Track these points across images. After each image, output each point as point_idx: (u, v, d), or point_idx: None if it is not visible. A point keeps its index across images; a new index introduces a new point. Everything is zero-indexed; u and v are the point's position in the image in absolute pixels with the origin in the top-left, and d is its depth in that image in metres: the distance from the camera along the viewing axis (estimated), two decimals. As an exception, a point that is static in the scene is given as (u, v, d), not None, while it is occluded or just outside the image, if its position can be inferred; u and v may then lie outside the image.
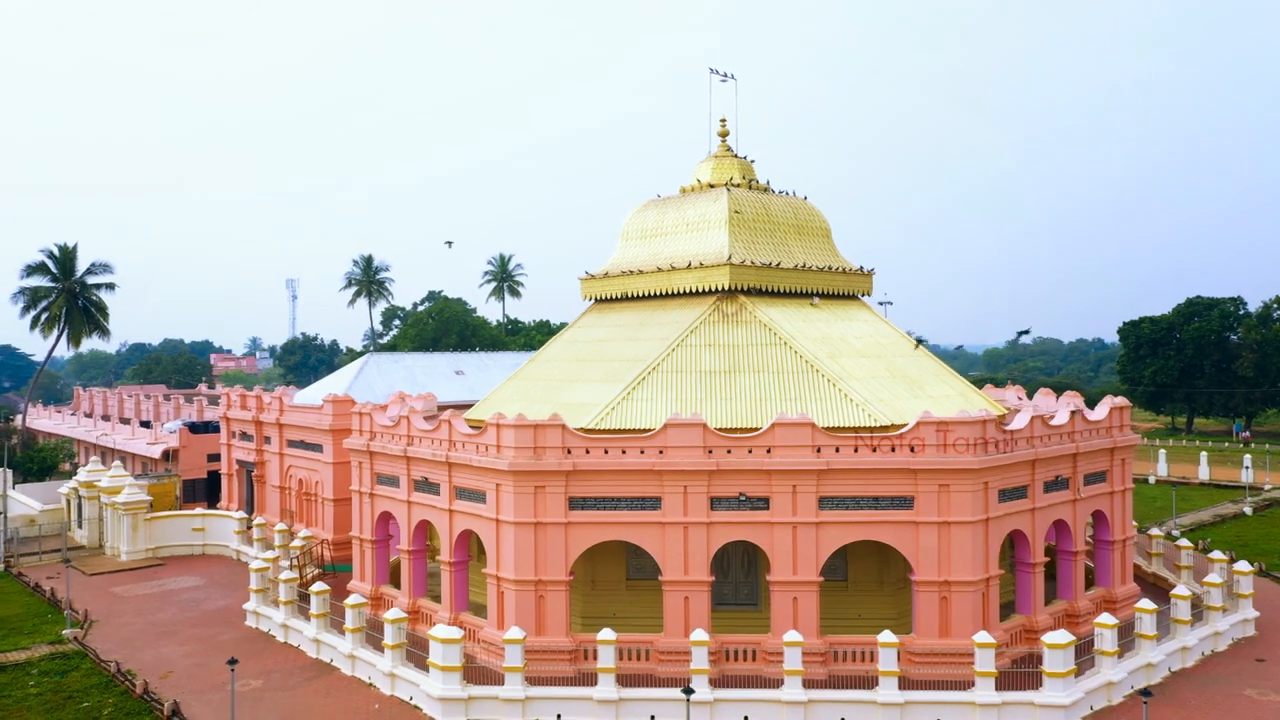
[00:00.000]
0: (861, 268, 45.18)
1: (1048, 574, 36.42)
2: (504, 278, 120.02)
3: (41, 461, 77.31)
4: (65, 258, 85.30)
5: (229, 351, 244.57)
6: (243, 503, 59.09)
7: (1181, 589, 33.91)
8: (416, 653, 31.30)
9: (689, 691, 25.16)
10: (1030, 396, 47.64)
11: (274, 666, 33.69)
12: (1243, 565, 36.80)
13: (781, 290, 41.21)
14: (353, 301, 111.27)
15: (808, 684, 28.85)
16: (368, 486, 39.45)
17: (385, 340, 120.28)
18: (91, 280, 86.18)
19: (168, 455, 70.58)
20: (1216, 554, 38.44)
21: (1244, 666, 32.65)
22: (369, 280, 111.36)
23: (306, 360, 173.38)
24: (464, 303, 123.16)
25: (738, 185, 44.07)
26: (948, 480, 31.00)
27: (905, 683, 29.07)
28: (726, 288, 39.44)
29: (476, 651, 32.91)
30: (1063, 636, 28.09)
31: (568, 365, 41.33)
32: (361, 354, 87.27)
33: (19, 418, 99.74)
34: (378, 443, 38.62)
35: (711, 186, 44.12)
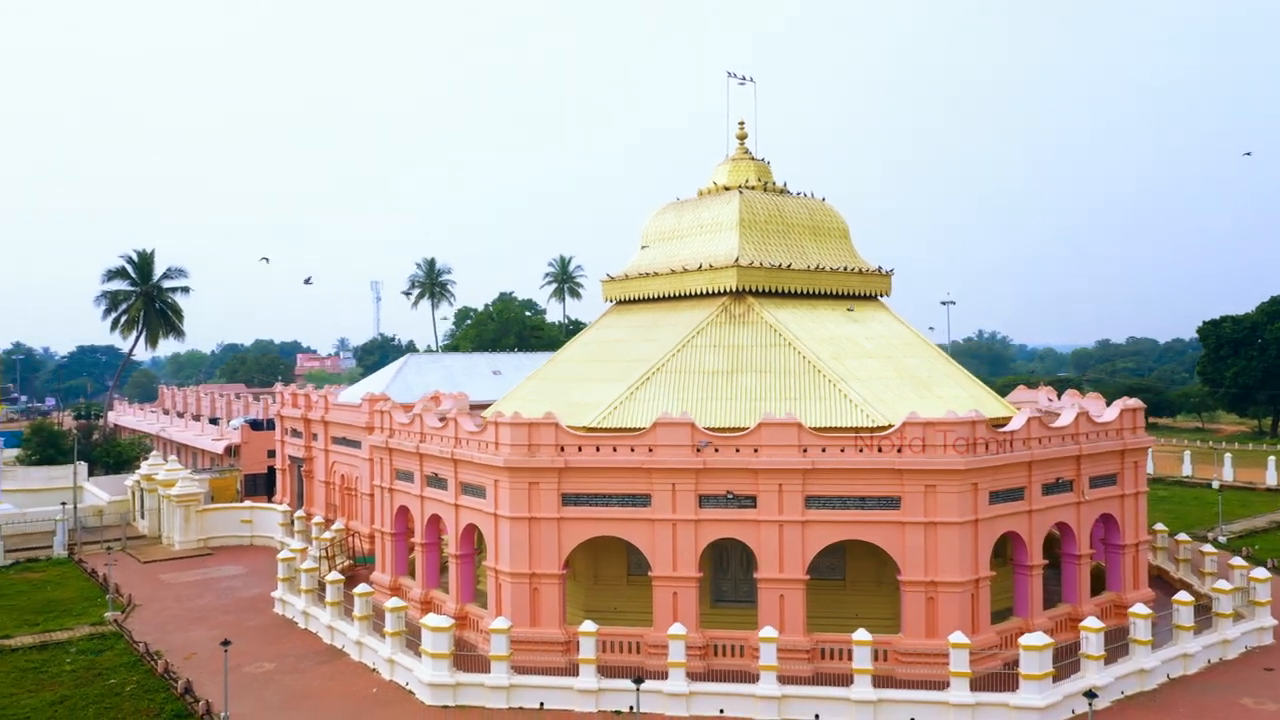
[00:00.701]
0: (880, 268, 45.12)
1: (1057, 577, 36.14)
2: (564, 279, 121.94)
3: (118, 455, 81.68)
4: (143, 263, 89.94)
5: (314, 351, 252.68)
6: (295, 496, 61.74)
7: (1183, 594, 33.19)
8: (416, 641, 32.69)
9: (639, 681, 25.95)
10: (1109, 401, 45.49)
11: (289, 651, 35.52)
12: (1260, 572, 35.75)
13: (793, 291, 41.49)
14: (416, 303, 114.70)
15: (787, 680, 29.35)
16: (387, 481, 41.12)
17: (449, 341, 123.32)
18: (167, 284, 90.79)
19: (231, 451, 74.04)
20: (1236, 560, 37.43)
21: (1250, 675, 31.85)
22: (431, 283, 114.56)
23: (384, 360, 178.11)
24: (533, 304, 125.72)
25: (752, 187, 44.49)
26: (934, 481, 31.05)
27: (891, 681, 29.40)
28: (734, 289, 39.96)
29: (478, 640, 34.20)
30: (1038, 639, 27.94)
31: (582, 365, 42.35)
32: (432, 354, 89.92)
33: (108, 414, 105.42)
34: (395, 440, 40.26)
35: (726, 189, 44.64)
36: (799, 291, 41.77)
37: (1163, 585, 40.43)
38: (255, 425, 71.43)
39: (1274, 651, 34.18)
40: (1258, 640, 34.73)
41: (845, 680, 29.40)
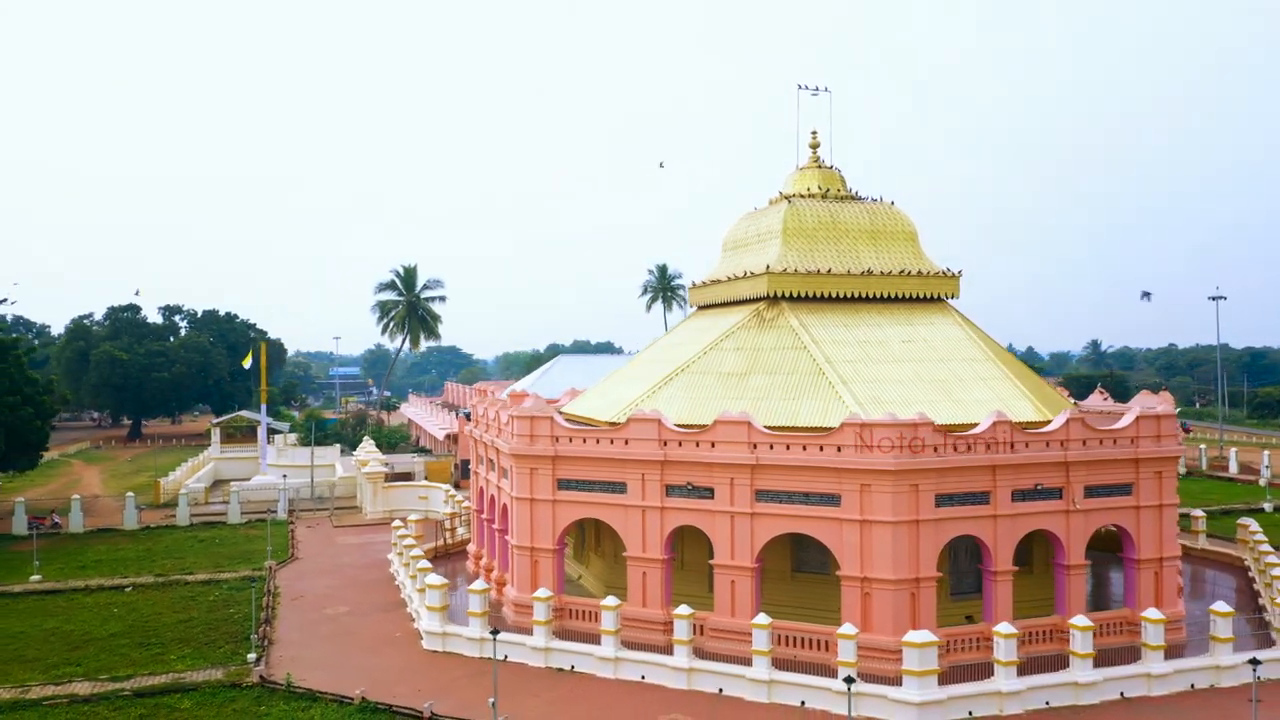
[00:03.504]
0: (946, 270, 44.98)
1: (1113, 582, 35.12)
2: (664, 288, 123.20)
3: (385, 439, 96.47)
4: (408, 276, 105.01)
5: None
6: (479, 479, 70.87)
7: (1151, 611, 31.31)
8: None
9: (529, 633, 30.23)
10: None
11: (370, 601, 43.12)
12: (1290, 599, 32.48)
13: (836, 295, 42.88)
14: (649, 307, 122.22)
15: (720, 658, 32.14)
16: (477, 466, 47.86)
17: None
18: (426, 294, 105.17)
19: (451, 438, 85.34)
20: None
21: (1225, 704, 29.62)
22: (663, 287, 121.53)
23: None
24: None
25: (812, 195, 46.19)
26: (868, 480, 32.13)
27: (827, 670, 30.71)
28: (766, 294, 42.30)
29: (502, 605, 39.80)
30: (920, 637, 28.56)
31: (642, 365, 46.51)
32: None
33: (401, 405, 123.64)
34: (477, 430, 46.89)
35: (786, 198, 46.64)
36: (844, 296, 43.06)
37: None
38: (469, 416, 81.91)
39: (1290, 685, 31.14)
40: (1275, 673, 31.74)
41: (793, 666, 31.37)
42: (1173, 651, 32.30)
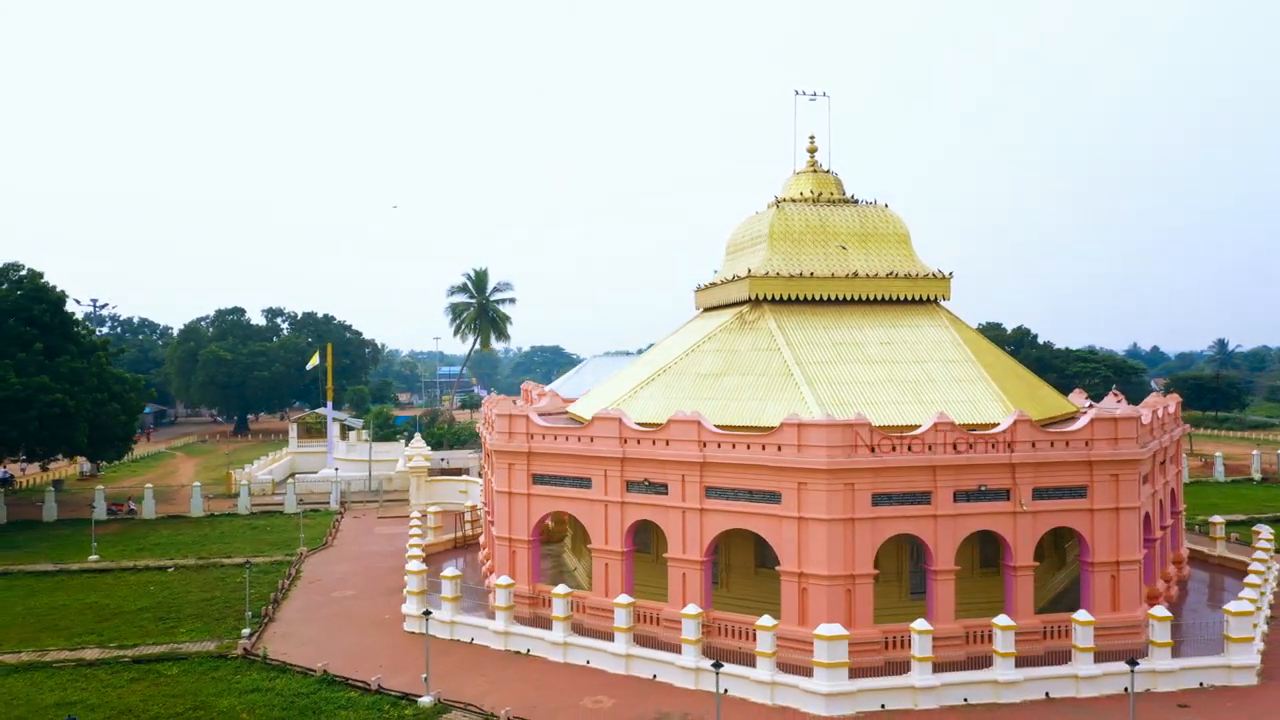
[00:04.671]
0: (936, 273, 45.30)
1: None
2: None
3: (451, 436, 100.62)
4: (479, 279, 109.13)
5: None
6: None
7: (1082, 614, 31.30)
8: (434, 580, 41.55)
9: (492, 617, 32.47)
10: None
11: (379, 586, 46.13)
12: (1239, 604, 31.90)
13: (820, 298, 43.76)
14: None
15: (655, 644, 33.75)
16: (483, 463, 50.48)
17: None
18: (496, 297, 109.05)
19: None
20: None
21: (1152, 709, 29.51)
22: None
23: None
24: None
25: (804, 199, 47.09)
26: (804, 479, 33.14)
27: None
28: (749, 297, 43.51)
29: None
30: (829, 630, 29.52)
31: (638, 367, 48.26)
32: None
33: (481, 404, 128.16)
34: (481, 428, 49.50)
35: (780, 202, 47.60)
36: (829, 298, 43.90)
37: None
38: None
39: (1233, 695, 30.70)
40: (1225, 679, 31.36)
41: (728, 655, 32.47)
42: (1123, 656, 32.03)
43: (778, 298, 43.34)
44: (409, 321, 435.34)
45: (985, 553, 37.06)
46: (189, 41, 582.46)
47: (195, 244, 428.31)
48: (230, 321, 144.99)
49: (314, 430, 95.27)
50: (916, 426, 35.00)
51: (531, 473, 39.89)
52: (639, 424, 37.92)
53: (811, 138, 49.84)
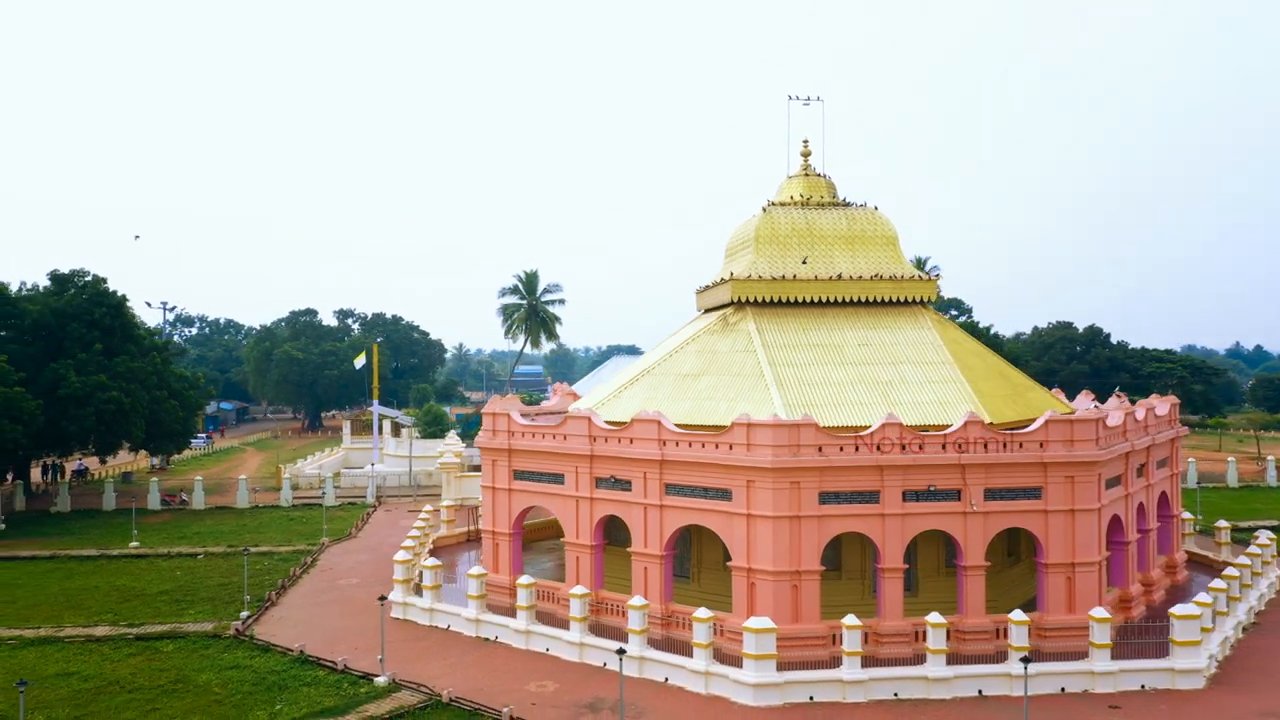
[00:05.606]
0: (923, 274, 45.62)
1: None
2: None
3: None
4: (529, 281, 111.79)
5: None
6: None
7: (1017, 613, 31.55)
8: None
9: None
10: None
11: (381, 576, 48.37)
12: (1185, 608, 31.74)
13: (804, 300, 44.52)
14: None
15: (602, 631, 35.22)
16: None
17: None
18: (546, 298, 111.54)
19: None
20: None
21: (1081, 708, 29.73)
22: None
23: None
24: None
25: (793, 203, 47.85)
26: (752, 477, 34.17)
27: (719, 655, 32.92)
28: (732, 300, 44.56)
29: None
30: (757, 623, 30.51)
31: (632, 367, 49.65)
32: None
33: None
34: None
35: (772, 205, 48.41)
36: (813, 300, 44.63)
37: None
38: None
39: (1170, 698, 30.64)
40: (1169, 682, 31.32)
41: (683, 647, 33.78)
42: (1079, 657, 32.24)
43: (760, 300, 44.24)
44: (492, 323, 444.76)
45: (950, 552, 37.40)
46: (248, 56, 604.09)
47: (280, 251, 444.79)
48: (304, 323, 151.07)
49: (367, 427, 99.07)
50: (879, 427, 35.61)
51: (513, 469, 41.71)
52: (608, 423, 39.36)
53: (805, 141, 50.50)
